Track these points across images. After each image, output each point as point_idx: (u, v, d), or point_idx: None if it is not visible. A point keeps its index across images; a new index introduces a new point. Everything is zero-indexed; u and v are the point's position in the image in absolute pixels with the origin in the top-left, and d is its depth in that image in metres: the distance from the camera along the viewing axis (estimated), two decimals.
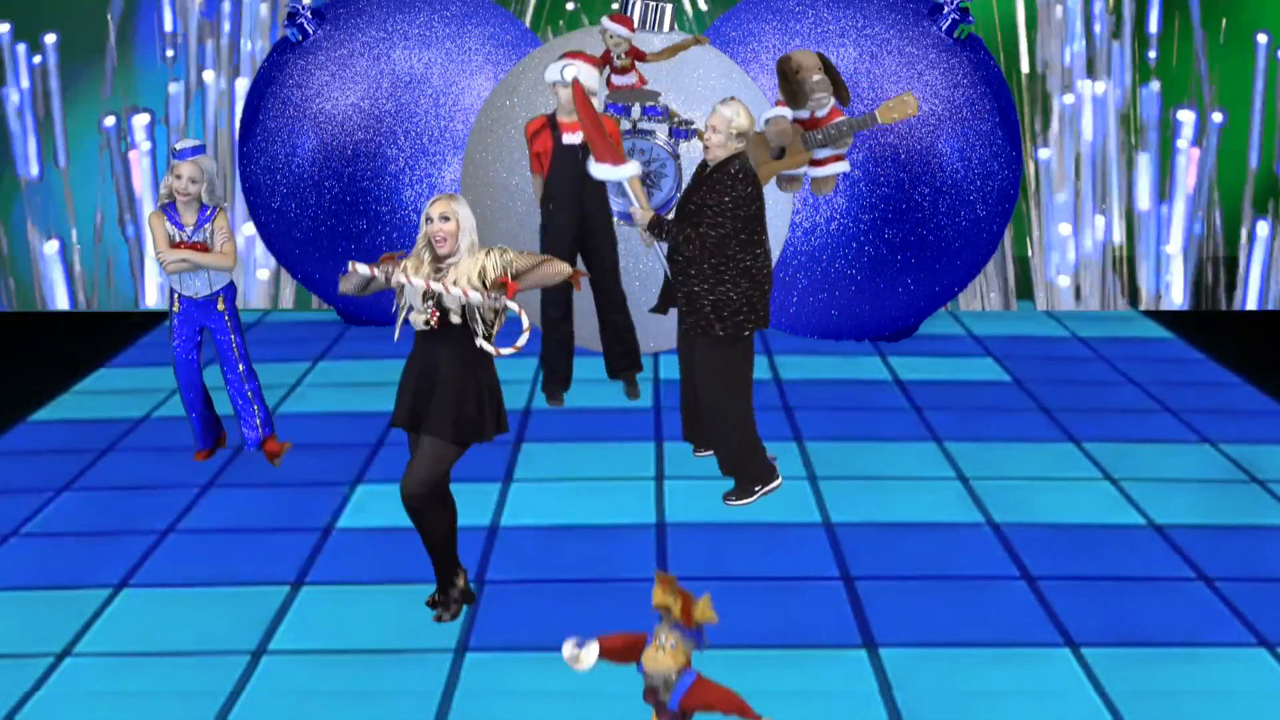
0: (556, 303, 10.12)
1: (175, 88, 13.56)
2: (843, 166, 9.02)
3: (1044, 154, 13.64)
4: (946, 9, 11.56)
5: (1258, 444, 9.39)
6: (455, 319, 6.73)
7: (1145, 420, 9.90)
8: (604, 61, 10.31)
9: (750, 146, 8.38)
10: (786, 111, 8.82)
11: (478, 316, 6.73)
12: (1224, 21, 13.62)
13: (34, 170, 13.58)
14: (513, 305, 6.62)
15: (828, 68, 8.76)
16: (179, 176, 8.60)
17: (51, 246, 13.43)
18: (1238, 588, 7.29)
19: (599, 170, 8.62)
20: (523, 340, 6.67)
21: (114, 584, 7.34)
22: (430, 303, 6.77)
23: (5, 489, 8.59)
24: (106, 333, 12.41)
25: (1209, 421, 9.84)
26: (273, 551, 7.65)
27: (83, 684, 6.42)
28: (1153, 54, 13.67)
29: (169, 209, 8.64)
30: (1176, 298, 13.61)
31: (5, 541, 7.89)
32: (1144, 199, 13.64)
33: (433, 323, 6.73)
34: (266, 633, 6.84)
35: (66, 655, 6.66)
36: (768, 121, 8.85)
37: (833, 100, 8.77)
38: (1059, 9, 13.62)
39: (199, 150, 8.62)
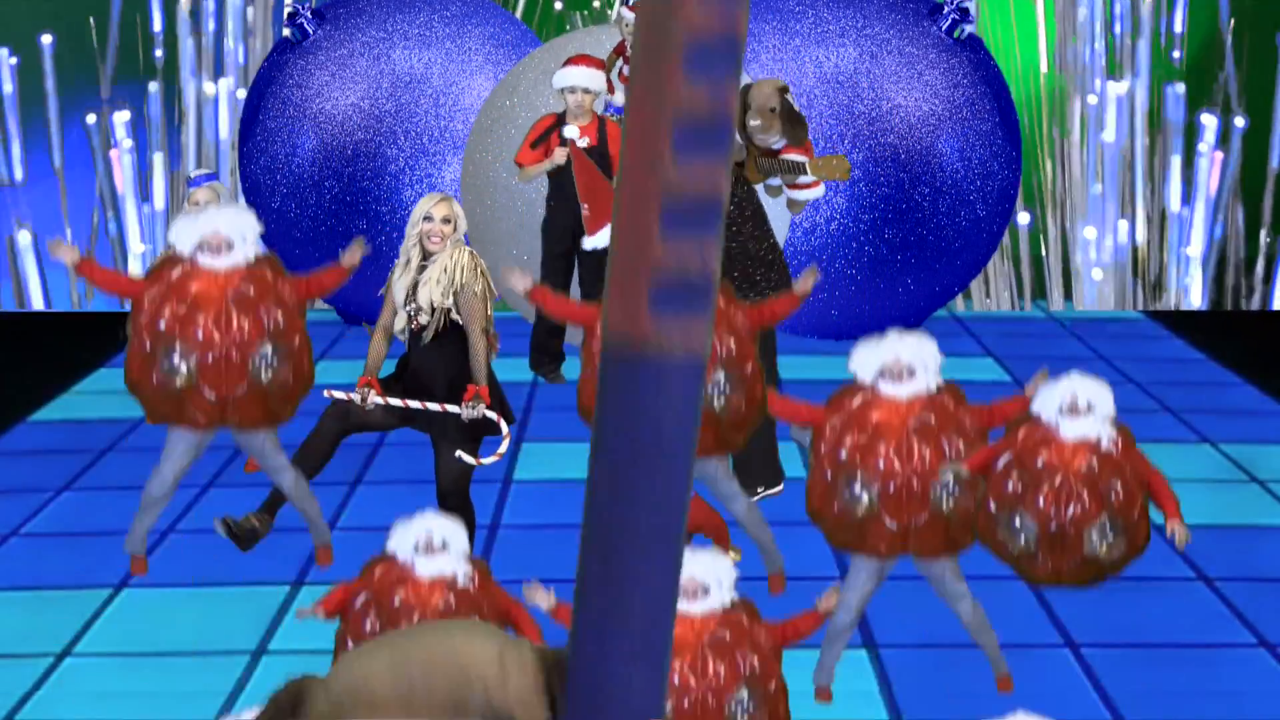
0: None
1: (154, 86, 13.55)
2: (815, 193, 9.00)
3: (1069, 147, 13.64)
4: (946, 9, 11.56)
5: (1258, 444, 9.38)
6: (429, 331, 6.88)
7: (1145, 420, 9.89)
8: (618, 53, 10.32)
9: None
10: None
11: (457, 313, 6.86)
12: (1234, 22, 13.60)
13: (19, 173, 13.56)
14: (490, 414, 6.79)
15: (785, 108, 8.68)
16: (196, 203, 8.59)
17: (24, 239, 13.42)
18: (1238, 588, 7.29)
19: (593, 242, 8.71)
20: (503, 448, 6.88)
21: (114, 584, 7.34)
22: (412, 307, 6.86)
23: (5, 489, 8.59)
24: (106, 333, 12.40)
25: (1209, 421, 9.83)
26: (273, 551, 7.65)
27: (83, 684, 6.41)
28: (1177, 54, 13.65)
29: None
30: (1195, 299, 13.60)
31: (5, 541, 7.89)
32: (1170, 201, 13.64)
33: (414, 328, 6.85)
34: (266, 633, 6.84)
35: (66, 655, 6.66)
36: None
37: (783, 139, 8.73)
38: (1081, 10, 13.61)
39: (212, 177, 8.64)
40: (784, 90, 8.53)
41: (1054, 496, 6.16)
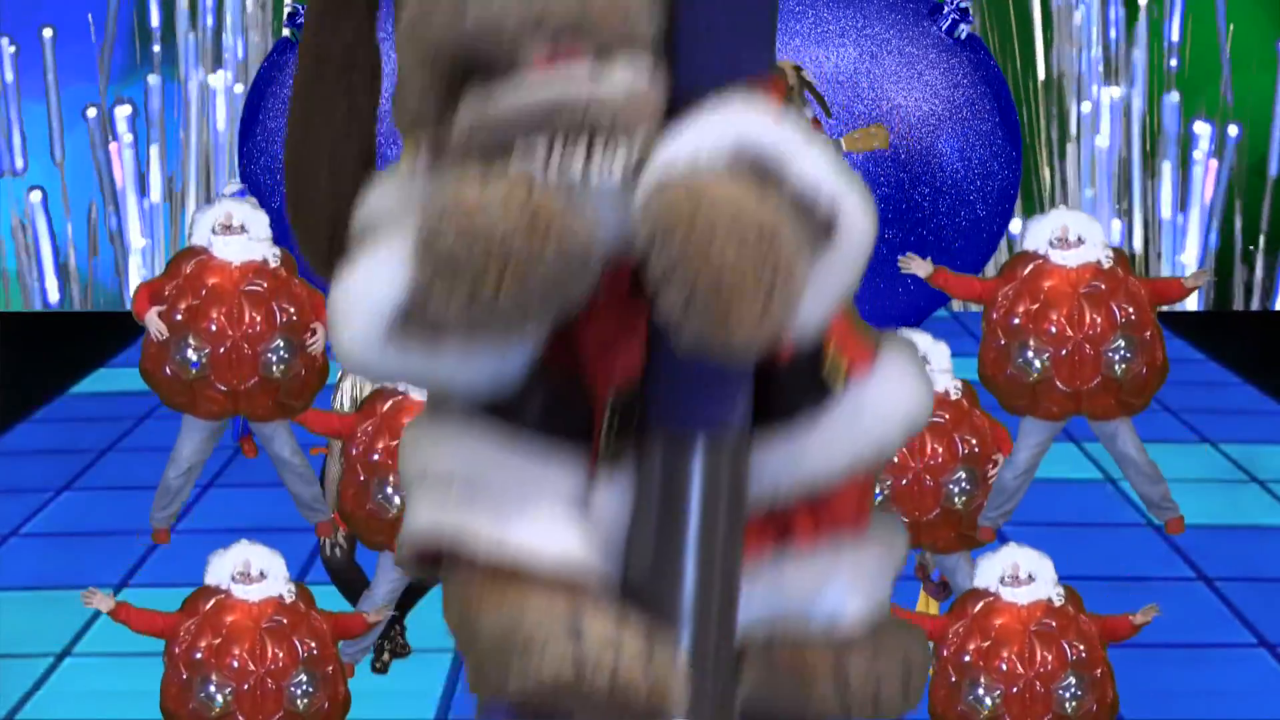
0: None
1: (155, 79, 13.55)
2: None
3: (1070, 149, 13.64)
4: (946, 9, 11.56)
5: (1258, 444, 9.38)
6: None
7: (1145, 420, 9.87)
8: None
9: None
10: None
11: None
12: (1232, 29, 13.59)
13: (19, 164, 13.56)
14: None
15: (802, 85, 8.73)
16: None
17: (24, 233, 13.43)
18: (1238, 588, 7.29)
19: None
20: None
21: (114, 584, 7.33)
22: None
23: (5, 489, 8.59)
24: (106, 333, 12.40)
25: (1209, 421, 9.83)
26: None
27: (83, 684, 6.42)
28: (1173, 62, 13.65)
29: None
30: (1190, 303, 13.61)
31: (5, 541, 7.89)
32: (1164, 208, 13.65)
33: None
34: None
35: (66, 655, 6.66)
36: None
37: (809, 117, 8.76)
38: (1076, 15, 13.61)
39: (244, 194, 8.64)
40: (798, 68, 8.58)
41: (1065, 325, 6.34)
